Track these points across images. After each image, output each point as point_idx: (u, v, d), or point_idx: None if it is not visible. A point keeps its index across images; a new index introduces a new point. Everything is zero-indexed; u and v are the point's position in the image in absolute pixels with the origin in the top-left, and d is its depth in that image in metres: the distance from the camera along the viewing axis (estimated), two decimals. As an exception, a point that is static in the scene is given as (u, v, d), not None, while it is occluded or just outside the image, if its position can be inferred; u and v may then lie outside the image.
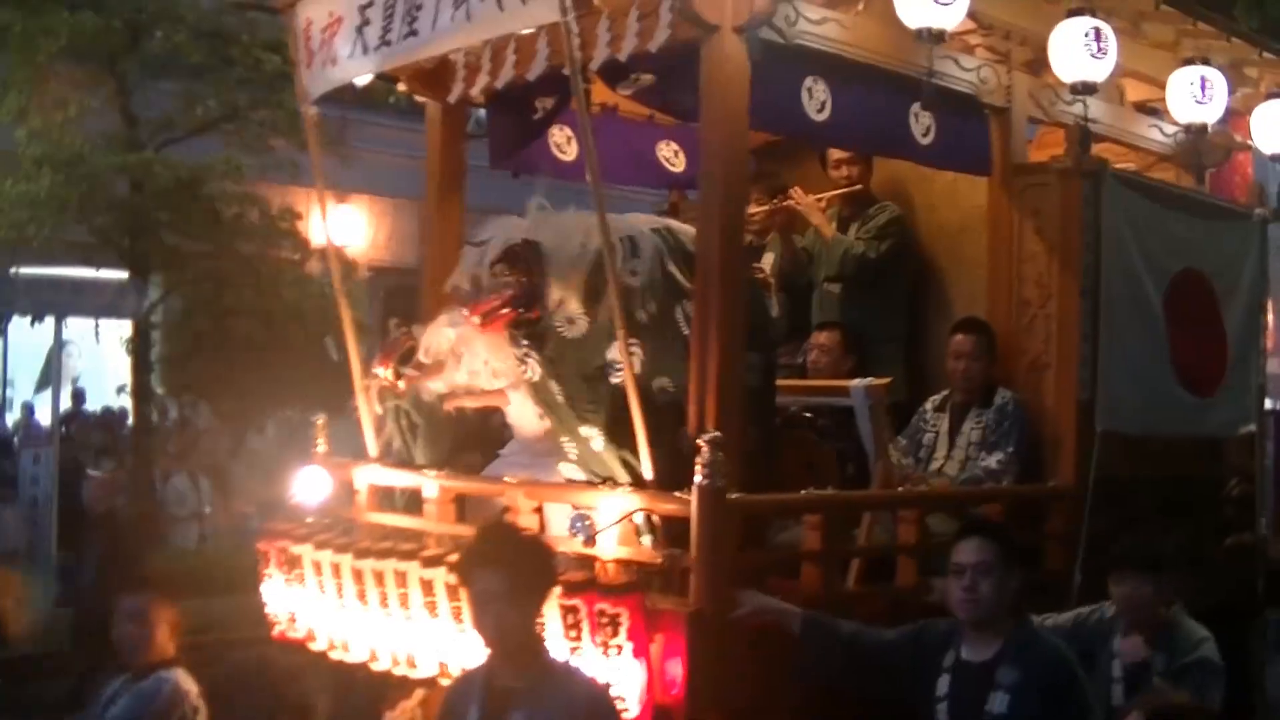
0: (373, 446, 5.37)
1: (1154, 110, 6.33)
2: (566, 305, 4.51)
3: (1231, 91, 6.01)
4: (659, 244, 4.53)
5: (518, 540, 3.63)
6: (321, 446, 5.62)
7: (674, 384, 4.37)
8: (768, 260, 6.19)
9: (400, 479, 5.25)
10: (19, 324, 14.86)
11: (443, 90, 5.55)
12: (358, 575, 4.85)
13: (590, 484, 4.50)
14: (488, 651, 3.48)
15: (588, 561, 4.31)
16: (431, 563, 4.56)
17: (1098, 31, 5.18)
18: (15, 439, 13.31)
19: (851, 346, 5.69)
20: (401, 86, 5.71)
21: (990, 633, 3.91)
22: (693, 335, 4.40)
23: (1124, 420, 5.44)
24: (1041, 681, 3.82)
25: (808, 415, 5.03)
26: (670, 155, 6.33)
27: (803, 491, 4.48)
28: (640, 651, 4.04)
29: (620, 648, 4.06)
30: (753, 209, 6.09)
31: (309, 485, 5.39)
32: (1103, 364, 5.37)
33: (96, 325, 15.04)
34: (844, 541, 4.75)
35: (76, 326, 15.42)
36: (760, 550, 4.61)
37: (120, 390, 13.41)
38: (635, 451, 4.29)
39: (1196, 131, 5.89)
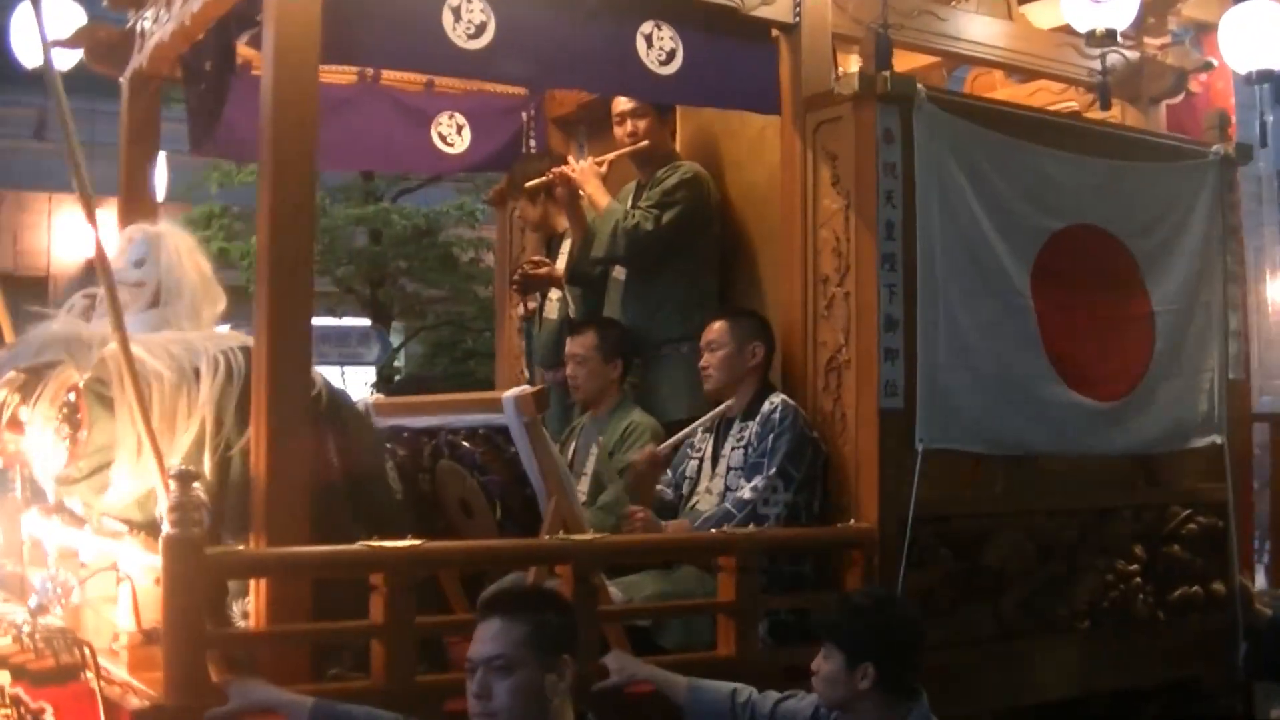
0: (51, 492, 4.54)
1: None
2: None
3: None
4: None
5: None
6: (18, 492, 4.83)
7: None
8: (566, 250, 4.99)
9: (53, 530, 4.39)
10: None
11: (123, 65, 4.65)
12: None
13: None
14: None
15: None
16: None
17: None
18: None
19: (614, 350, 4.37)
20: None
21: None
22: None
23: (961, 435, 3.98)
24: None
25: (464, 443, 3.73)
26: (450, 131, 5.17)
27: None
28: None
29: (53, 758, 3.02)
30: (530, 184, 4.91)
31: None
32: (923, 359, 3.91)
33: (342, 372, 15.55)
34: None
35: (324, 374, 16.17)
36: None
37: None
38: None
39: (1101, 42, 4.31)
